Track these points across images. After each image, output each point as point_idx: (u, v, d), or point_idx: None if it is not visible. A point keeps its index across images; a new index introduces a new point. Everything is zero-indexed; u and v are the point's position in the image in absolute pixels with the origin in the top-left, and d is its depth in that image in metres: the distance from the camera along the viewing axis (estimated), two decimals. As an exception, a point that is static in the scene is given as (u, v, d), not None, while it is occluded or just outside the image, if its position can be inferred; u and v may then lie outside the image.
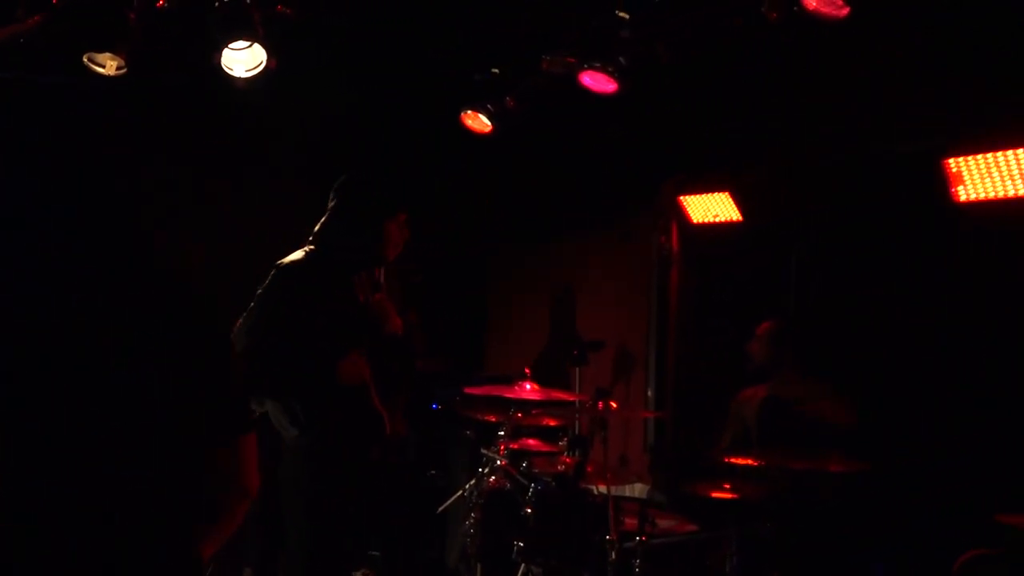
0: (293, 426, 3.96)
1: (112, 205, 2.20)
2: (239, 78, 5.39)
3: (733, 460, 4.52)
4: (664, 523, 4.70)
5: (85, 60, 5.43)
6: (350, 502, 4.07)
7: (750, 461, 4.44)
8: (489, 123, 6.09)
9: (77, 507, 2.00)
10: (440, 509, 5.68)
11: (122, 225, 2.19)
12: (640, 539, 4.31)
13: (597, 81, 5.43)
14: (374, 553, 6.36)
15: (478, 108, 6.05)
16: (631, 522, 4.44)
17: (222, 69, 5.34)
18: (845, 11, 4.14)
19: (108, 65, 5.46)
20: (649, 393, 6.37)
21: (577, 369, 6.16)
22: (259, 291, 4.02)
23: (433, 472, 6.11)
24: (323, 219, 4.25)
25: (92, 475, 2.01)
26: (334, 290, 4.08)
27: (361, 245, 4.17)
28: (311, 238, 4.21)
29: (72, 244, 2.16)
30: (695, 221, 6.17)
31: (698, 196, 6.11)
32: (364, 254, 4.20)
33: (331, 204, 4.27)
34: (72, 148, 2.24)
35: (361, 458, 4.07)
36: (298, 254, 4.13)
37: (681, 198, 6.18)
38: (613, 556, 4.33)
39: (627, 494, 5.76)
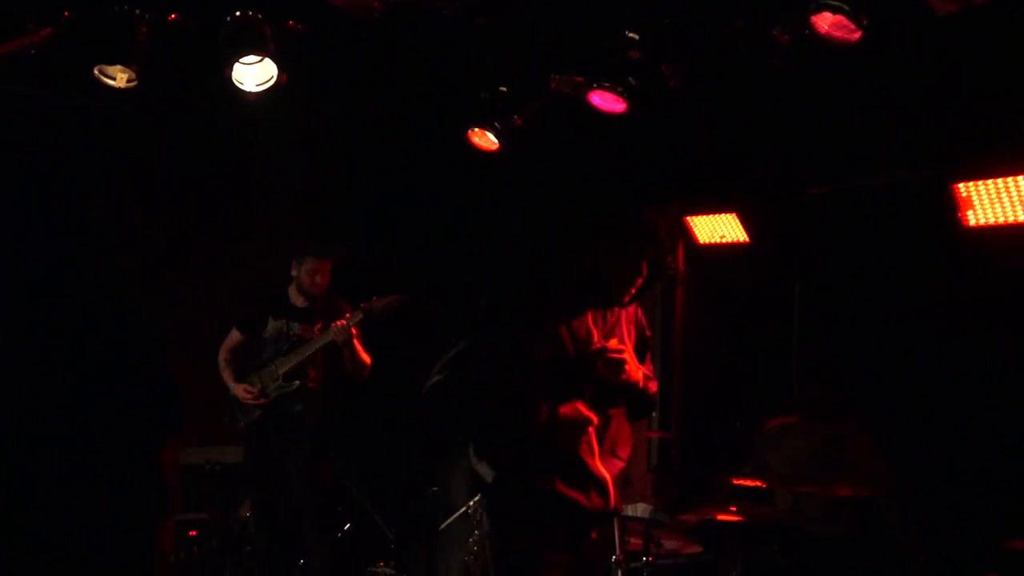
0: None
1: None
2: (249, 92, 5.40)
3: (740, 482, 4.49)
4: (669, 544, 4.68)
5: (96, 73, 5.43)
6: None
7: (758, 483, 4.41)
8: (496, 141, 6.09)
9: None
10: (442, 526, 5.64)
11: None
12: (647, 559, 4.28)
13: (606, 101, 5.43)
14: (379, 569, 6.36)
15: (485, 126, 6.06)
16: (636, 542, 4.41)
17: (233, 83, 5.35)
18: (857, 35, 4.13)
19: (119, 78, 5.46)
20: (653, 413, 6.35)
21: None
22: None
23: (435, 489, 6.08)
24: None
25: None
26: None
27: None
28: None
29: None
30: (701, 242, 6.16)
31: (705, 216, 6.10)
32: None
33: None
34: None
35: None
36: None
37: (688, 218, 6.17)
38: (619, 576, 4.30)
39: (630, 514, 5.73)
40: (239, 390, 5.71)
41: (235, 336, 5.91)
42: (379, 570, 6.35)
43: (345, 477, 7.03)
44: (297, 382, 5.66)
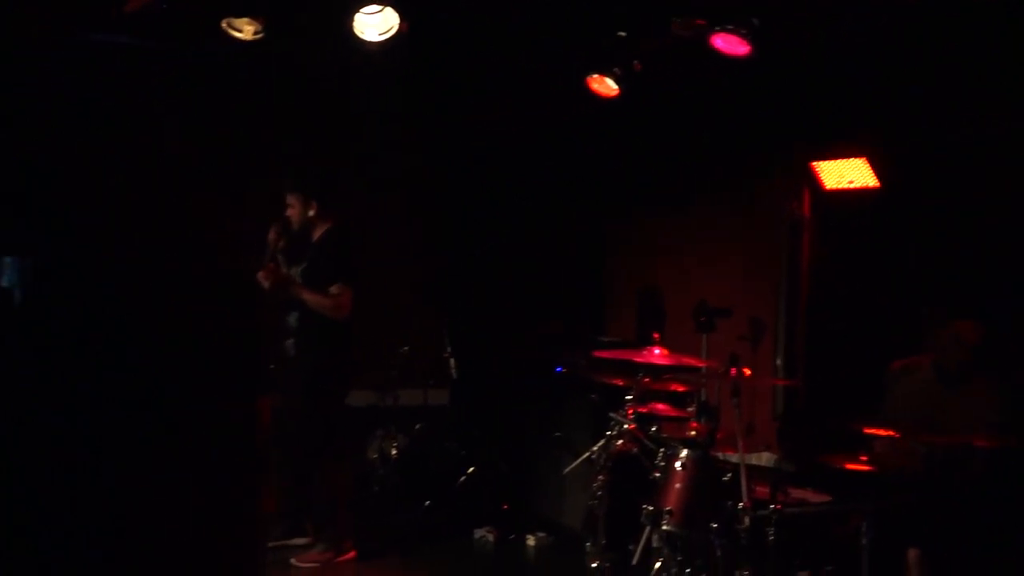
0: None
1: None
2: (370, 42, 5.42)
3: (871, 431, 4.38)
4: (796, 493, 4.61)
5: (223, 26, 5.53)
6: None
7: (890, 432, 4.29)
8: (616, 87, 6.01)
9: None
10: (566, 471, 5.67)
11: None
12: (774, 507, 4.23)
13: (729, 44, 5.29)
14: (502, 510, 6.44)
15: (605, 72, 5.98)
16: (762, 491, 4.37)
17: (354, 33, 5.38)
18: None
19: (245, 30, 5.55)
20: (778, 361, 6.25)
21: (704, 336, 6.07)
22: None
23: (558, 434, 6.11)
24: None
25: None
26: None
27: None
28: None
29: None
30: (828, 187, 5.99)
31: (832, 162, 5.92)
32: None
33: None
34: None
35: None
36: None
37: (814, 164, 6.00)
38: (746, 523, 4.27)
39: (754, 463, 5.66)
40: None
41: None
42: (504, 511, 6.45)
43: (469, 425, 7.14)
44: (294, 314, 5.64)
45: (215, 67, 6.53)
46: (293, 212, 5.69)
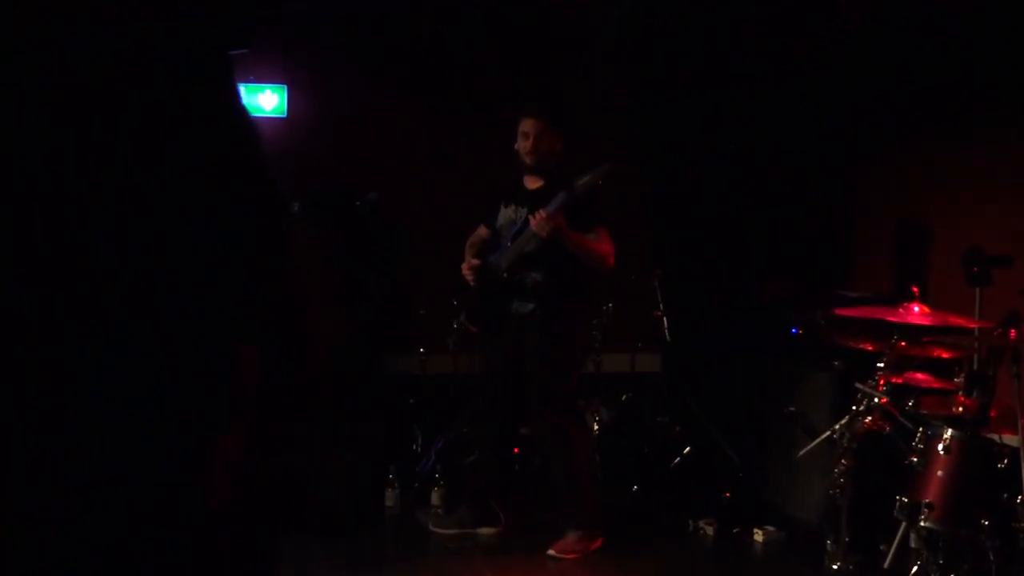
0: None
1: None
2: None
3: None
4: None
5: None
6: None
7: None
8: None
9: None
10: (801, 453, 5.58)
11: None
12: (1063, 502, 4.06)
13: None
14: (724, 499, 6.41)
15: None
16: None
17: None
18: None
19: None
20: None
21: (977, 290, 5.82)
22: None
23: (791, 409, 6.01)
24: None
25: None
26: None
27: None
28: None
29: None
30: None
31: None
32: None
33: None
34: None
35: None
36: None
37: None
38: (1025, 521, 4.12)
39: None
40: (463, 266, 5.80)
41: (480, 229, 6.00)
42: (727, 500, 6.41)
43: (685, 396, 7.12)
44: (531, 276, 5.64)
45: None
46: (528, 144, 5.66)
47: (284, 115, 7.14)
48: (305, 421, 5.68)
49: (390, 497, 6.28)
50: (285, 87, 7.13)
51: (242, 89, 2.59)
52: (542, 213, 5.41)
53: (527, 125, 5.65)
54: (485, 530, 5.92)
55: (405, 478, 6.39)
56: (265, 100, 7.08)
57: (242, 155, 2.29)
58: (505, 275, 5.69)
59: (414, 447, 6.76)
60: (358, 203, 6.67)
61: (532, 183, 5.76)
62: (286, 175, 6.57)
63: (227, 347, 2.22)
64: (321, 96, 7.32)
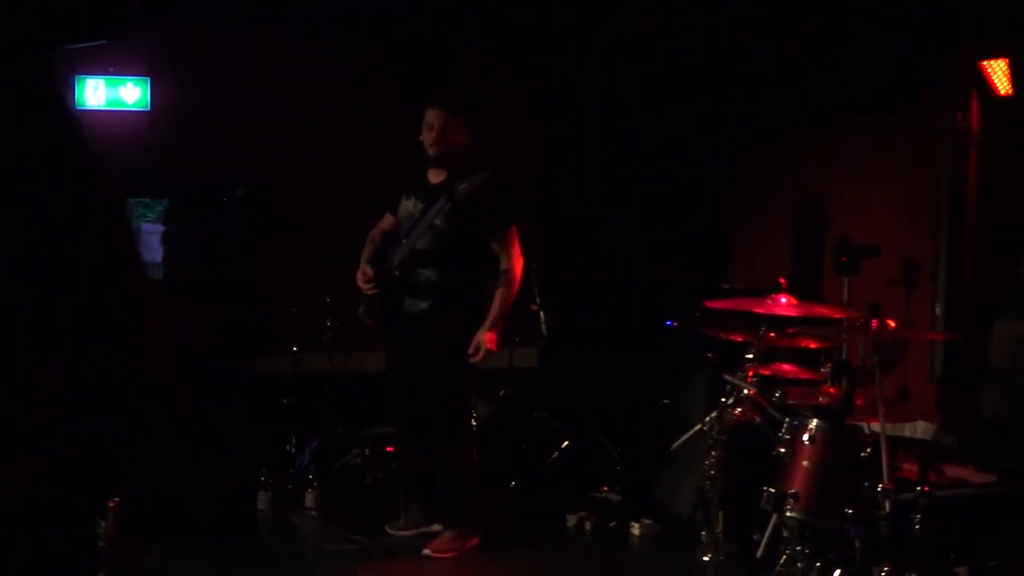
0: None
1: None
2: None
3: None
4: (953, 472, 4.49)
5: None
6: None
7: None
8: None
9: None
10: (674, 446, 5.60)
11: None
12: (921, 489, 4.13)
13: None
14: (601, 493, 6.42)
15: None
16: (911, 469, 4.29)
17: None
18: None
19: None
20: (937, 310, 6.13)
21: (845, 280, 5.94)
22: None
23: (666, 402, 6.05)
24: None
25: None
26: None
27: None
28: None
29: None
30: (1002, 93, 5.77)
31: (1007, 61, 5.70)
32: None
33: None
34: None
35: None
36: None
37: (985, 63, 5.77)
38: (886, 508, 4.16)
39: (907, 435, 5.55)
40: (358, 274, 5.66)
41: (386, 217, 5.86)
42: (604, 495, 6.43)
43: (563, 391, 7.12)
44: (423, 274, 5.52)
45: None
46: (432, 136, 5.49)
47: (147, 108, 6.97)
48: (166, 425, 5.52)
49: (263, 500, 6.15)
50: (148, 79, 6.96)
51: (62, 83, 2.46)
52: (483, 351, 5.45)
53: (432, 116, 5.48)
54: (439, 527, 5.80)
55: (279, 480, 6.28)
56: (127, 93, 6.91)
57: (55, 154, 2.18)
58: (396, 272, 5.56)
59: (288, 448, 6.65)
60: (225, 199, 6.53)
61: (435, 176, 5.61)
62: (149, 171, 6.45)
63: (11, 371, 2.09)
64: (187, 87, 7.16)
